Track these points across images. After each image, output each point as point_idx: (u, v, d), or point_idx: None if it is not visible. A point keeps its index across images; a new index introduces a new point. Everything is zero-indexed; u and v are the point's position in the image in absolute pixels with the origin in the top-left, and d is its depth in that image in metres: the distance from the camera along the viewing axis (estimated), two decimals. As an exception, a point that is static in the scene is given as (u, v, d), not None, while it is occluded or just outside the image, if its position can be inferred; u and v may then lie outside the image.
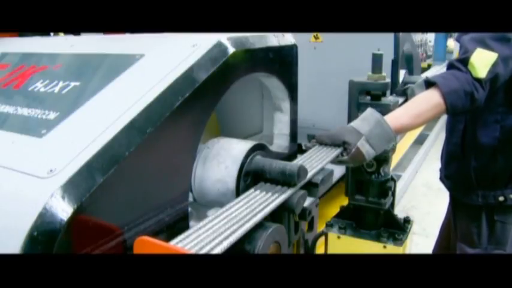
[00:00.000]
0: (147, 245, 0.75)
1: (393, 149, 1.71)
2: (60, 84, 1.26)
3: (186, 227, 1.12)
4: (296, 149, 1.65)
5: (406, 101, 1.45)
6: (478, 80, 1.35)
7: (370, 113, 1.34)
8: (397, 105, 1.56)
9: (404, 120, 1.35)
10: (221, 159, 1.26)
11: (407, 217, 1.82)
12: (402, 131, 1.37)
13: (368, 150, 1.28)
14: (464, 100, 1.35)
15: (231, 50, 1.21)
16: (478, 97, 1.36)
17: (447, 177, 1.79)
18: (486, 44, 1.38)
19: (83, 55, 1.43)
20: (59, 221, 0.81)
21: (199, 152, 1.28)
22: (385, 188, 1.72)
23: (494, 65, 1.36)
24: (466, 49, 1.41)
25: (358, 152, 1.27)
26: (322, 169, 1.22)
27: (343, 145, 1.28)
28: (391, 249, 1.69)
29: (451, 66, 1.43)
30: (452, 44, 6.62)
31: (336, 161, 1.29)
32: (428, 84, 1.40)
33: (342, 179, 2.53)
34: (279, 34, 1.47)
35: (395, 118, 1.34)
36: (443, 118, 5.71)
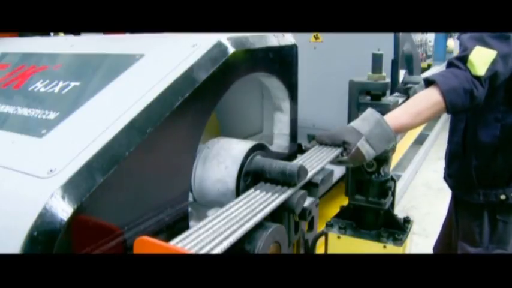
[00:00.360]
0: (147, 245, 0.75)
1: (393, 149, 1.71)
2: (60, 84, 1.26)
3: (186, 227, 1.12)
4: (296, 149, 1.64)
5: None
6: (477, 78, 1.35)
7: (370, 113, 1.34)
8: (397, 105, 1.56)
9: (404, 120, 1.35)
10: (221, 159, 1.26)
11: (407, 217, 1.81)
12: (402, 130, 1.37)
13: (368, 150, 1.28)
14: (464, 98, 1.35)
15: (231, 50, 1.21)
16: (477, 95, 1.36)
17: (449, 176, 1.80)
18: (485, 41, 1.38)
19: (83, 55, 1.43)
20: (59, 221, 0.81)
21: (199, 152, 1.28)
22: (385, 188, 1.72)
23: (494, 63, 1.36)
24: (465, 47, 1.41)
25: (358, 152, 1.27)
26: (322, 169, 1.22)
27: (343, 145, 1.28)
28: (391, 249, 1.68)
29: (450, 65, 1.43)
30: (452, 44, 6.63)
31: (336, 161, 1.29)
32: (428, 82, 1.40)
33: (342, 179, 2.53)
34: (279, 34, 1.47)
35: (395, 118, 1.34)
36: (444, 118, 5.72)
